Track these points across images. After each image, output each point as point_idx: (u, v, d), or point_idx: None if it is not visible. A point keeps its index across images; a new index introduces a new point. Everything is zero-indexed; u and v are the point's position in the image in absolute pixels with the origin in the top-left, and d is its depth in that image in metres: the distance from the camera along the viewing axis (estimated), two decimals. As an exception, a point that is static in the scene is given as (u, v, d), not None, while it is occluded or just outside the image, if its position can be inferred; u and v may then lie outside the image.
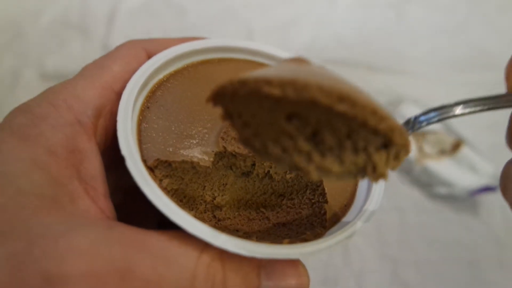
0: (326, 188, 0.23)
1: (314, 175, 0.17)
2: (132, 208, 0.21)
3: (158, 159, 0.21)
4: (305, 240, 0.20)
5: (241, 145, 0.21)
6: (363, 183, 0.24)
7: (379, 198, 0.23)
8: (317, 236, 0.21)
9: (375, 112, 0.15)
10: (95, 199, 0.18)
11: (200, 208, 0.23)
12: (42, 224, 0.16)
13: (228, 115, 0.18)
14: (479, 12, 0.74)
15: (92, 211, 0.18)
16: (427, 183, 0.54)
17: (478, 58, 0.68)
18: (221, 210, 0.23)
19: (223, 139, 0.23)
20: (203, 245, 0.18)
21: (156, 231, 0.18)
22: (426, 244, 0.50)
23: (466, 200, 0.53)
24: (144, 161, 0.20)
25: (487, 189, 0.51)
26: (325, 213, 0.23)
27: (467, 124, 0.58)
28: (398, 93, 0.62)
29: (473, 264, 0.49)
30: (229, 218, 0.23)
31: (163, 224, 0.20)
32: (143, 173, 0.19)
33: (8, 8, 0.68)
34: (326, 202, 0.23)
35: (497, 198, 0.52)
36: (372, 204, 0.22)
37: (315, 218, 0.23)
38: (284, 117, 0.16)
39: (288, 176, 0.24)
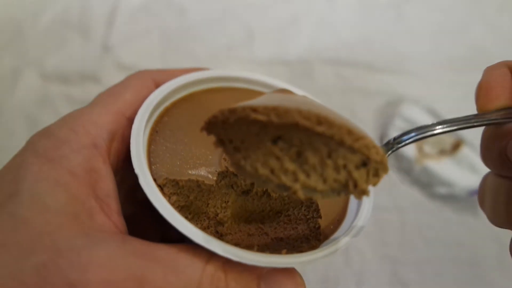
0: (320, 205, 0.26)
1: (301, 194, 0.19)
2: (137, 226, 0.23)
3: (166, 178, 0.23)
4: (301, 251, 0.22)
5: (232, 168, 0.23)
6: (353, 201, 0.27)
7: (368, 214, 0.25)
8: (312, 248, 0.23)
9: (350, 132, 0.18)
10: (109, 215, 0.21)
11: (204, 224, 0.25)
12: (65, 238, 0.18)
13: (220, 142, 0.21)
14: (479, 12, 0.74)
15: (107, 226, 0.20)
16: (427, 183, 0.54)
17: (478, 58, 0.68)
18: (223, 226, 0.25)
19: (225, 160, 0.25)
20: (208, 257, 0.20)
21: (165, 244, 0.19)
22: (426, 244, 0.50)
23: (466, 200, 0.53)
24: (154, 179, 0.23)
25: (487, 189, 0.51)
26: (319, 227, 0.25)
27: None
28: (398, 93, 0.62)
29: (473, 264, 0.49)
30: (231, 233, 0.25)
31: (166, 238, 0.23)
32: (154, 189, 0.21)
33: (8, 8, 0.68)
34: (320, 217, 0.25)
35: (497, 198, 0.52)
36: (361, 220, 0.25)
37: (310, 232, 0.25)
38: (270, 140, 0.19)
39: (284, 194, 0.26)
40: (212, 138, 0.25)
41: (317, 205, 0.26)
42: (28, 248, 0.17)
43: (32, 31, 0.66)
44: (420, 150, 0.55)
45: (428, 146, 0.55)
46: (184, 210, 0.24)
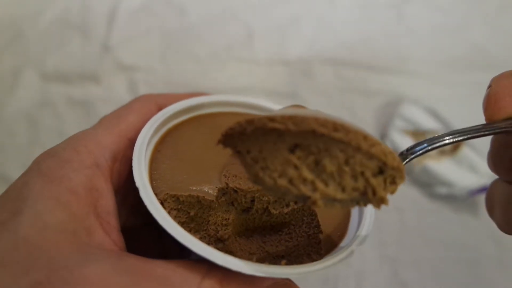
0: (321, 220, 0.26)
1: (320, 203, 0.19)
2: (139, 243, 0.23)
3: (167, 193, 0.24)
4: (302, 263, 0.23)
5: (250, 182, 0.23)
6: (354, 215, 0.27)
7: (370, 224, 0.25)
8: (313, 261, 0.23)
9: (366, 138, 0.18)
10: (109, 232, 0.21)
11: (204, 241, 0.24)
12: (62, 255, 0.18)
13: (238, 154, 0.21)
14: (479, 12, 0.74)
15: (106, 243, 0.20)
16: (427, 183, 0.54)
17: (478, 58, 0.68)
18: (223, 244, 0.25)
19: (225, 177, 0.25)
20: (205, 272, 0.20)
21: (162, 260, 0.19)
22: (426, 244, 0.50)
23: (466, 200, 0.53)
24: (155, 194, 0.23)
25: (487, 189, 0.51)
26: (320, 242, 0.25)
27: (467, 124, 0.57)
28: (398, 93, 0.62)
29: (473, 264, 0.49)
30: (231, 251, 0.25)
31: (167, 255, 0.23)
32: (153, 201, 0.22)
33: (8, 8, 0.68)
34: (321, 232, 0.25)
35: (497, 198, 0.52)
36: (364, 229, 0.25)
37: (311, 248, 0.25)
38: (287, 148, 0.19)
39: (285, 210, 0.26)
40: (213, 155, 0.26)
41: (318, 221, 0.26)
42: (25, 266, 0.18)
43: (32, 31, 0.66)
44: (420, 150, 0.55)
45: (428, 146, 0.55)
46: (185, 226, 0.24)
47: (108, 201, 0.22)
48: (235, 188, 0.25)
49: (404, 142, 0.55)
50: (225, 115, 0.30)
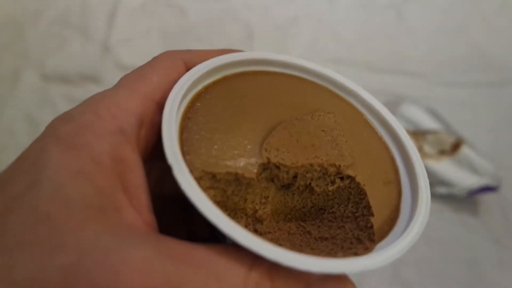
0: (371, 202, 0.23)
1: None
2: (163, 223, 0.21)
3: (203, 170, 0.21)
4: (356, 253, 0.20)
5: (285, 155, 0.22)
6: (406, 196, 0.24)
7: (426, 214, 0.22)
8: (367, 250, 0.20)
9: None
10: (140, 211, 0.18)
11: (241, 222, 0.23)
12: (91, 236, 0.16)
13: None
14: (479, 12, 0.74)
15: (137, 223, 0.18)
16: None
17: (478, 58, 0.68)
18: (262, 224, 0.23)
19: (266, 150, 0.22)
20: (252, 261, 0.18)
21: (203, 245, 0.17)
22: (426, 244, 0.50)
23: (466, 200, 0.53)
24: (190, 172, 0.20)
25: (487, 189, 0.51)
26: (371, 226, 0.22)
27: (467, 124, 0.58)
28: (398, 93, 0.62)
29: (473, 264, 0.49)
30: (270, 232, 0.23)
31: (192, 237, 0.21)
32: (191, 183, 0.19)
33: (8, 8, 0.68)
34: (372, 215, 0.22)
35: (497, 198, 0.52)
36: (419, 220, 0.22)
37: (360, 232, 0.22)
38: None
39: (330, 188, 0.24)
40: (251, 122, 0.23)
41: (368, 202, 0.23)
42: (50, 247, 0.15)
43: (33, 31, 0.66)
44: (420, 150, 0.55)
45: (428, 146, 0.55)
46: (220, 206, 0.22)
47: (137, 174, 0.19)
48: (277, 164, 0.22)
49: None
50: (260, 75, 0.27)
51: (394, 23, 0.72)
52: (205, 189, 0.20)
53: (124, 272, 0.15)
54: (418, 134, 0.56)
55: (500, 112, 0.61)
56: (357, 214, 0.23)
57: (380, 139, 0.25)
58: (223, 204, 0.22)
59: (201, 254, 0.17)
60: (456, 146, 0.54)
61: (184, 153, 0.21)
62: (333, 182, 0.23)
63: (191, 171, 0.20)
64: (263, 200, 0.23)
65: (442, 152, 0.55)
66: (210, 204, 0.18)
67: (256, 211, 0.23)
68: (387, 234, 0.22)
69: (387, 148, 0.25)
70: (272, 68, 0.27)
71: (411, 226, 0.21)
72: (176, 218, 0.26)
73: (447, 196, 0.53)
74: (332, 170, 0.23)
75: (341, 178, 0.23)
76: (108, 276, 0.15)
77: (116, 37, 0.66)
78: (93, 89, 0.60)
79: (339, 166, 0.23)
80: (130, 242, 0.16)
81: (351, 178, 0.23)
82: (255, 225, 0.23)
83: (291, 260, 0.17)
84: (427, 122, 0.57)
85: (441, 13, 0.74)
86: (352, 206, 0.23)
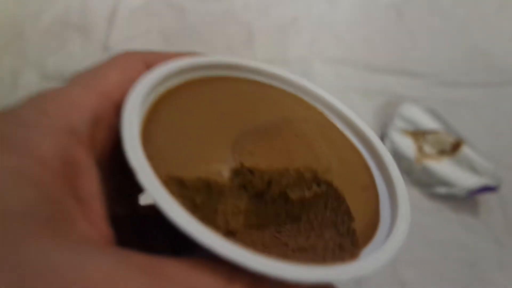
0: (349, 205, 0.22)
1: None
2: (122, 237, 0.18)
3: (169, 175, 0.18)
4: (334, 257, 0.19)
5: (259, 160, 0.20)
6: (383, 200, 0.22)
7: (408, 214, 0.21)
8: (354, 256, 0.19)
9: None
10: (94, 222, 0.16)
11: None
12: (36, 253, 0.13)
13: None
14: (479, 12, 0.74)
15: (92, 236, 0.15)
16: (427, 183, 0.54)
17: (478, 58, 0.68)
18: (234, 236, 0.21)
19: (239, 155, 0.20)
20: (229, 273, 0.15)
21: (173, 258, 0.15)
22: (426, 244, 0.50)
23: (466, 200, 0.53)
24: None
25: (487, 189, 0.51)
26: (354, 231, 0.20)
27: (467, 124, 0.58)
28: (398, 93, 0.62)
29: (473, 264, 0.49)
30: (244, 245, 0.21)
31: (153, 250, 0.18)
32: (158, 187, 0.16)
33: (8, 8, 0.68)
34: (353, 220, 0.21)
35: (497, 198, 0.52)
36: (403, 221, 0.20)
37: (342, 239, 0.21)
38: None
39: (306, 195, 0.22)
40: (221, 127, 0.21)
41: (347, 207, 0.21)
42: None
43: (32, 31, 0.66)
44: (420, 150, 0.55)
45: (428, 146, 0.55)
46: None
47: (90, 180, 0.16)
48: (251, 169, 0.20)
49: (404, 142, 0.55)
50: (226, 81, 0.25)
51: (394, 23, 0.72)
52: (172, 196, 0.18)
53: None
54: (418, 134, 0.56)
55: (500, 112, 0.61)
56: (336, 221, 0.21)
57: (353, 146, 0.25)
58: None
59: (171, 267, 0.14)
60: (456, 146, 0.54)
61: (147, 157, 0.18)
62: (309, 189, 0.22)
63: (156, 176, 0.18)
64: (235, 210, 0.21)
65: (442, 152, 0.55)
66: (180, 209, 0.16)
67: (228, 223, 0.21)
68: (372, 238, 0.20)
69: (360, 155, 0.24)
70: (241, 74, 0.26)
71: (397, 227, 0.20)
72: (132, 233, 0.23)
73: (447, 196, 0.53)
74: (308, 175, 0.21)
75: (318, 184, 0.22)
76: None
77: (116, 37, 0.66)
78: (93, 89, 0.60)
79: (316, 170, 0.21)
80: (87, 256, 0.13)
81: (328, 184, 0.21)
82: (226, 237, 0.21)
83: (278, 269, 0.15)
84: (427, 122, 0.57)
85: (441, 13, 0.74)
86: (330, 213, 0.22)
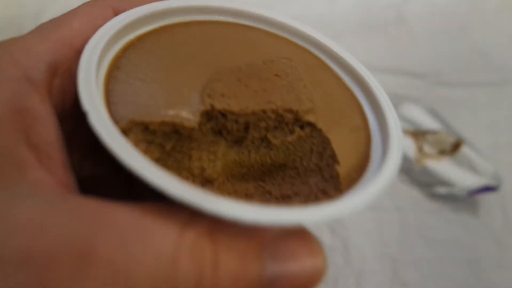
0: (335, 149, 0.20)
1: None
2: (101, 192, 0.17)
3: (132, 120, 0.17)
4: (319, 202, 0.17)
5: (231, 101, 0.18)
6: (376, 142, 0.21)
7: (399, 157, 0.19)
8: (331, 198, 0.18)
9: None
10: (52, 170, 0.15)
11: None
12: None
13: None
14: (479, 13, 0.74)
15: (48, 184, 0.14)
16: (427, 183, 0.54)
17: (478, 59, 0.68)
18: (212, 185, 0.20)
19: (209, 96, 0.19)
20: (186, 219, 0.14)
21: (126, 204, 0.14)
22: (426, 244, 0.50)
23: (466, 200, 0.53)
24: (115, 122, 0.17)
25: (487, 189, 0.51)
26: (337, 175, 0.19)
27: (467, 124, 0.58)
28: (398, 93, 0.62)
29: (472, 264, 0.49)
30: (223, 194, 0.19)
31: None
32: (110, 129, 0.15)
33: (8, 8, 0.68)
34: (338, 163, 0.19)
35: (497, 198, 0.52)
36: (391, 162, 0.19)
37: (326, 184, 0.20)
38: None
39: (289, 139, 0.21)
40: (192, 72, 0.20)
41: (332, 150, 0.20)
42: None
43: (32, 31, 0.66)
44: (420, 150, 0.55)
45: (428, 146, 0.55)
46: (160, 165, 0.18)
47: (47, 128, 0.16)
48: (223, 111, 0.19)
49: (404, 142, 0.55)
50: (205, 25, 0.23)
51: (394, 23, 0.72)
52: (135, 143, 0.17)
53: (8, 230, 0.12)
54: (418, 134, 0.56)
55: (500, 112, 0.61)
56: (321, 165, 0.20)
57: (345, 86, 0.23)
58: (163, 163, 0.19)
59: (119, 213, 0.14)
60: (456, 146, 0.54)
61: (110, 102, 0.18)
62: (292, 132, 0.20)
63: (116, 121, 0.17)
64: (211, 157, 0.20)
65: (442, 152, 0.55)
66: (134, 151, 0.15)
67: (204, 170, 0.19)
68: (356, 182, 0.19)
69: (352, 95, 0.23)
70: (219, 17, 0.24)
71: (382, 172, 0.18)
72: (115, 191, 0.22)
73: (447, 196, 0.53)
74: (288, 116, 0.20)
75: (301, 127, 0.20)
76: None
77: (116, 37, 0.66)
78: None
79: (297, 111, 0.20)
80: (19, 199, 0.13)
81: (312, 125, 0.20)
82: (204, 186, 0.19)
83: (235, 210, 0.14)
84: (427, 122, 0.57)
85: (441, 13, 0.74)
86: (315, 158, 0.21)
